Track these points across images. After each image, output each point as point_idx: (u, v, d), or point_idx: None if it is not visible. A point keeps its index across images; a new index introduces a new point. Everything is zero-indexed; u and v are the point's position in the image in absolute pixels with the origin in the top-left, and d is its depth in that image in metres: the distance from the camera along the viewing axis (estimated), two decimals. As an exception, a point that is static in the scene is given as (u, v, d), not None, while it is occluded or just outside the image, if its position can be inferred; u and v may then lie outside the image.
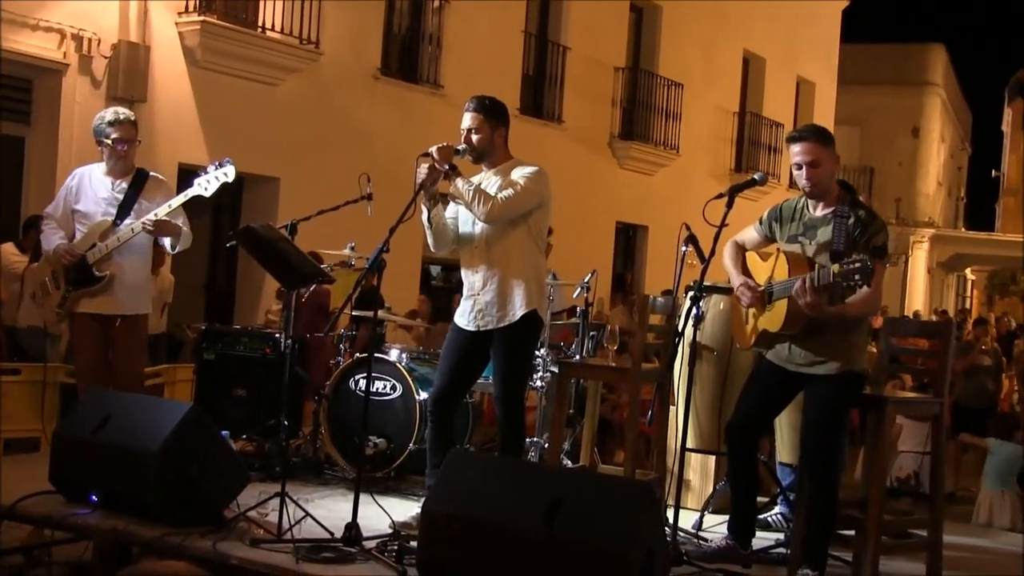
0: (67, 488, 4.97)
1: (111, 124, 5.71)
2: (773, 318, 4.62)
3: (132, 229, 5.63)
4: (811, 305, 4.39)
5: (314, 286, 7.06)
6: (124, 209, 5.71)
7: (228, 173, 5.64)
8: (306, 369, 7.15)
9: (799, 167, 4.61)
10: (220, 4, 10.83)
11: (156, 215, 5.60)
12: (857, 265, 4.23)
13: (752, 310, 4.81)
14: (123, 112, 5.83)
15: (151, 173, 5.90)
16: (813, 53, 21.97)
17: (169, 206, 5.63)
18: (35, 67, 9.54)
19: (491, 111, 5.07)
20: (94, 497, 4.82)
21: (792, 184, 5.04)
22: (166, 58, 10.35)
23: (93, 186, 5.80)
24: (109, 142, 5.72)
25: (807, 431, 4.65)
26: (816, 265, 4.51)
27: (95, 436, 4.84)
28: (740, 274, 4.83)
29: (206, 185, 5.64)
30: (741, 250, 4.91)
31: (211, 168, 5.65)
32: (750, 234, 4.90)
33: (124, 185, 5.77)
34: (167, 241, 5.75)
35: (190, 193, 5.63)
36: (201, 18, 10.40)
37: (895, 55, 29.82)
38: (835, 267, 4.34)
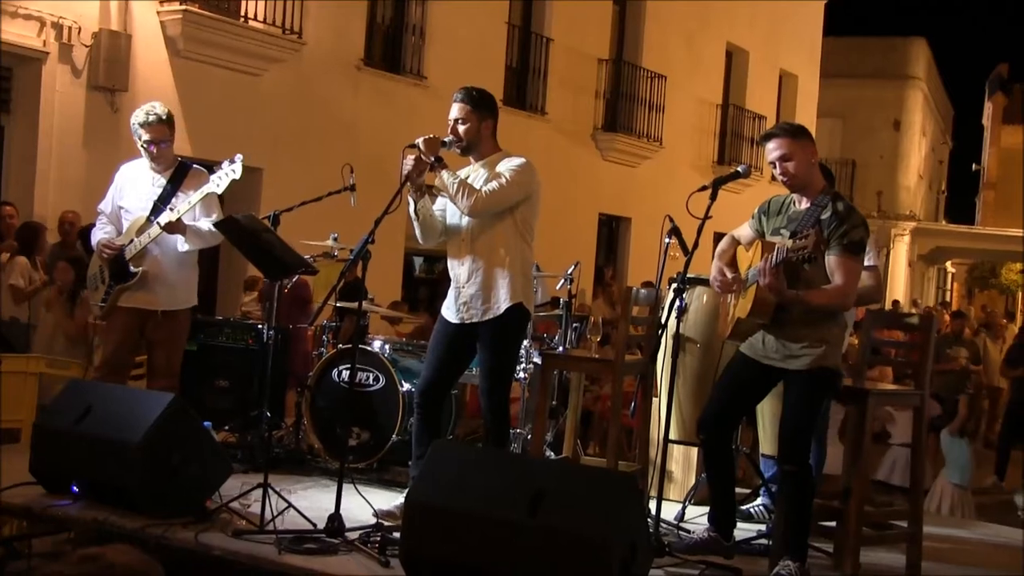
0: (48, 479, 4.95)
1: (142, 126, 5.66)
2: (744, 304, 4.68)
3: (159, 222, 5.60)
4: (770, 286, 4.43)
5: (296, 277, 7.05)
6: (161, 204, 5.68)
7: (236, 170, 5.60)
8: (288, 359, 7.14)
9: (773, 164, 4.68)
10: (202, -7, 10.77)
11: (177, 212, 5.55)
12: (805, 239, 4.27)
13: (732, 301, 4.85)
14: (155, 111, 5.70)
15: (193, 165, 5.85)
16: (796, 46, 22.02)
17: (189, 203, 5.58)
18: (15, 55, 9.47)
19: (479, 102, 5.05)
20: (75, 488, 4.81)
21: (775, 177, 5.07)
22: (148, 47, 10.29)
23: (137, 181, 5.78)
24: (142, 144, 5.68)
25: (782, 426, 4.68)
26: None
27: (77, 427, 4.82)
28: (720, 262, 4.87)
29: (219, 182, 5.59)
30: (734, 244, 4.95)
31: (225, 164, 5.61)
32: (744, 229, 4.93)
33: (163, 179, 5.74)
34: (180, 239, 5.69)
35: (205, 190, 5.59)
36: (183, 7, 10.35)
37: (877, 49, 29.94)
38: (789, 243, 4.39)
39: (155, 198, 5.70)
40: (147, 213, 5.69)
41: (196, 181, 5.72)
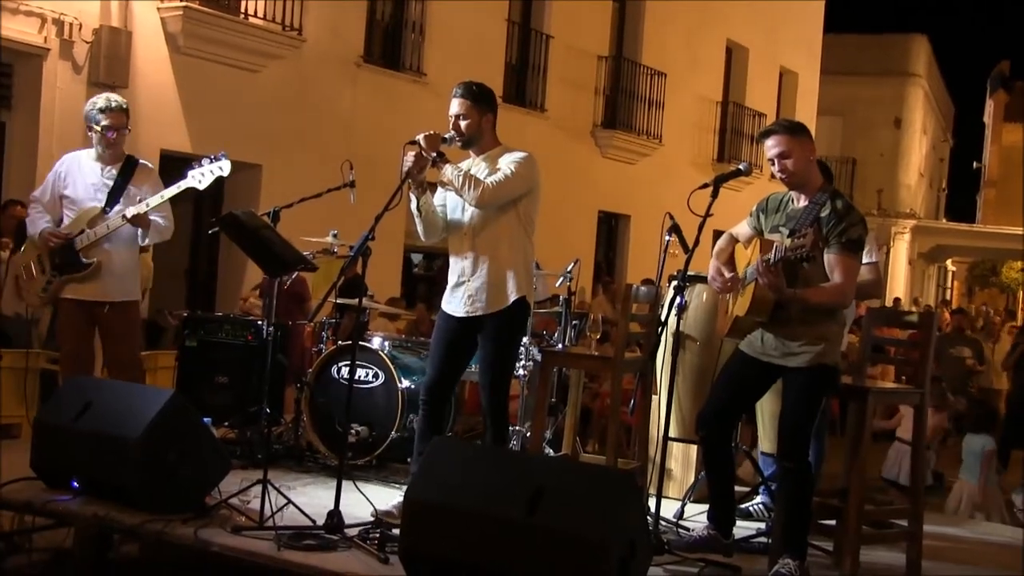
0: (48, 475, 4.95)
1: (102, 111, 5.68)
2: (743, 303, 4.68)
3: (123, 217, 5.61)
4: (768, 284, 4.43)
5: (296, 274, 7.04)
6: (114, 196, 5.69)
7: (224, 167, 5.62)
8: (286, 356, 7.13)
9: (772, 161, 4.68)
10: (202, -11, 10.77)
11: (148, 205, 5.57)
12: (803, 238, 4.27)
13: (731, 298, 4.85)
14: (115, 99, 5.79)
15: (140, 160, 5.88)
16: (796, 43, 22.02)
17: (162, 196, 5.60)
18: (16, 52, 9.47)
19: (479, 97, 5.06)
20: (75, 483, 4.81)
21: (774, 175, 5.10)
22: (148, 44, 10.29)
23: (83, 172, 5.77)
24: (99, 128, 5.69)
25: (781, 423, 4.69)
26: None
27: (76, 423, 4.82)
28: (717, 261, 4.87)
29: (200, 178, 5.61)
30: (733, 242, 4.95)
31: (206, 161, 5.62)
32: (743, 227, 4.93)
33: (114, 172, 5.75)
34: (139, 232, 5.70)
35: (183, 185, 5.60)
36: (183, 4, 10.34)
37: (878, 46, 29.92)
38: (787, 241, 4.39)
39: (105, 189, 5.69)
40: (100, 204, 5.67)
41: (145, 176, 5.79)
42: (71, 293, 5.69)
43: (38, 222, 5.73)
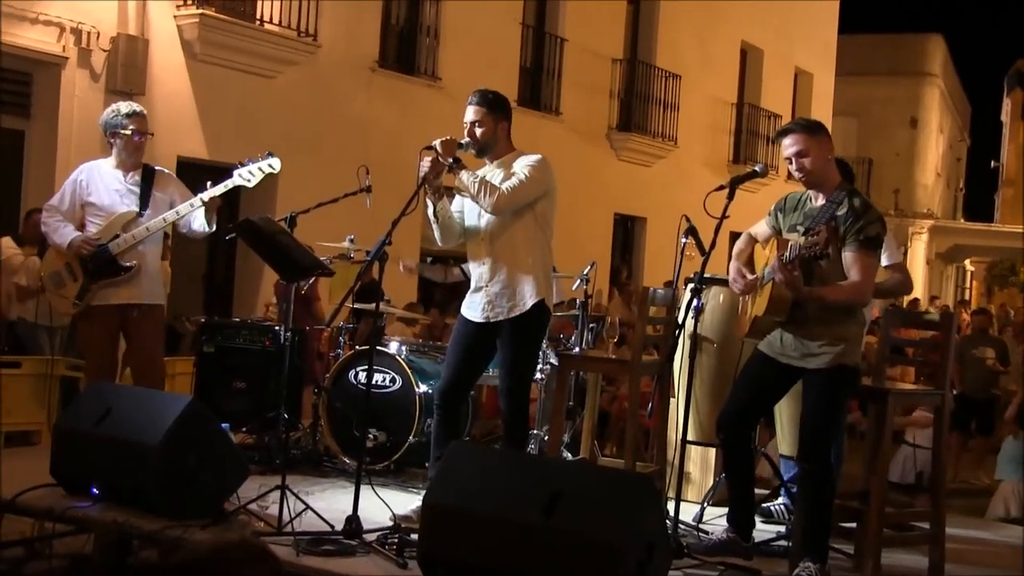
0: (68, 481, 4.96)
1: (128, 116, 5.71)
2: (761, 303, 4.65)
3: (177, 212, 5.63)
4: (785, 281, 4.41)
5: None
6: (144, 201, 5.72)
7: (274, 164, 5.66)
8: (302, 360, 7.14)
9: (789, 160, 4.66)
10: (218, -3, 10.81)
11: (205, 197, 5.58)
12: (818, 235, 4.25)
13: (750, 299, 4.83)
14: (137, 106, 5.85)
15: (156, 167, 5.90)
16: (810, 44, 21.95)
17: (211, 195, 5.58)
18: (34, 60, 9.52)
19: (494, 104, 5.07)
20: (95, 490, 4.81)
21: (791, 176, 5.09)
22: (164, 51, 10.33)
23: (104, 179, 5.77)
24: (127, 133, 5.70)
25: (802, 426, 4.66)
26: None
27: (96, 429, 4.83)
28: (738, 262, 4.85)
29: (248, 176, 5.62)
30: (752, 242, 4.92)
31: (252, 161, 5.62)
32: (761, 227, 4.91)
33: (136, 178, 5.77)
34: (203, 222, 5.70)
35: (230, 183, 5.62)
36: (199, 11, 10.38)
37: (893, 45, 29.81)
38: (801, 239, 4.37)
39: (132, 195, 5.71)
40: (132, 208, 5.69)
41: (167, 181, 5.85)
42: (105, 298, 5.68)
43: (62, 230, 5.71)
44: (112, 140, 5.77)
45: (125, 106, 5.78)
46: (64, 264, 5.73)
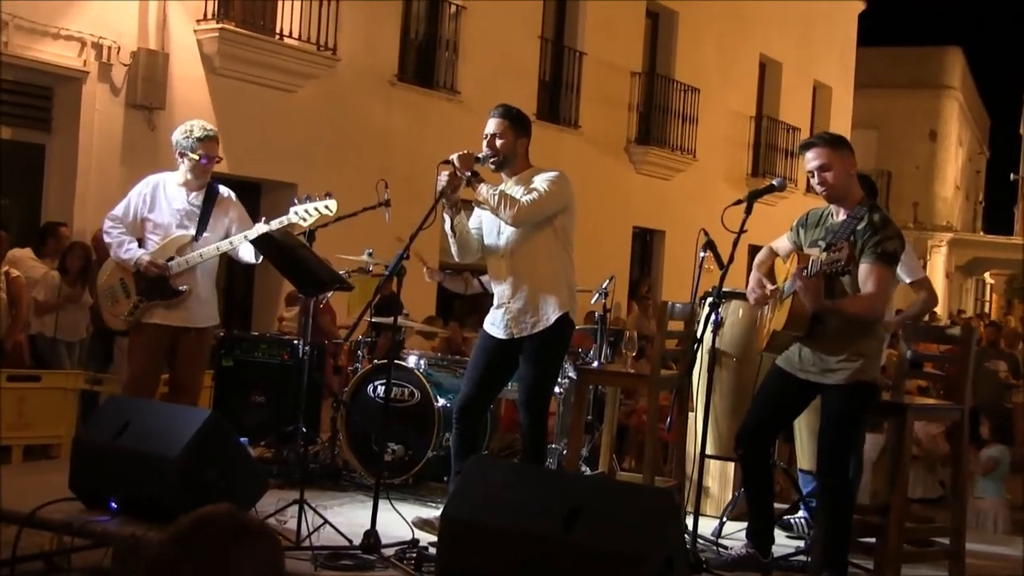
0: (87, 495, 4.97)
1: (200, 140, 5.65)
2: (780, 316, 4.64)
3: (231, 242, 5.61)
4: (806, 290, 4.39)
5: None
6: (201, 223, 5.70)
7: (331, 206, 5.58)
8: (320, 373, 7.15)
9: (811, 173, 4.66)
10: (238, 11, 10.85)
11: (256, 233, 5.51)
12: (839, 251, 4.24)
13: (768, 312, 4.82)
14: (209, 128, 5.75)
15: (220, 188, 5.86)
16: (829, 57, 21.92)
17: (281, 222, 5.50)
18: (55, 75, 9.58)
19: (516, 119, 5.08)
20: (113, 504, 4.82)
21: (809, 189, 5.09)
22: (185, 65, 10.38)
23: (168, 196, 5.75)
24: (196, 156, 5.66)
25: (820, 440, 4.64)
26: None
27: (115, 442, 4.84)
28: (758, 273, 4.83)
29: (304, 216, 5.57)
30: (773, 255, 4.91)
31: (309, 199, 5.58)
32: (782, 241, 4.90)
33: (199, 198, 5.75)
34: (251, 253, 5.68)
35: (285, 220, 5.54)
36: (219, 25, 10.43)
37: (912, 58, 29.73)
38: (823, 255, 4.36)
39: (192, 216, 5.70)
40: (189, 232, 5.68)
41: (228, 204, 5.80)
42: (157, 319, 5.68)
43: (127, 246, 5.68)
44: (181, 159, 5.74)
45: (199, 128, 5.69)
46: (119, 280, 5.74)
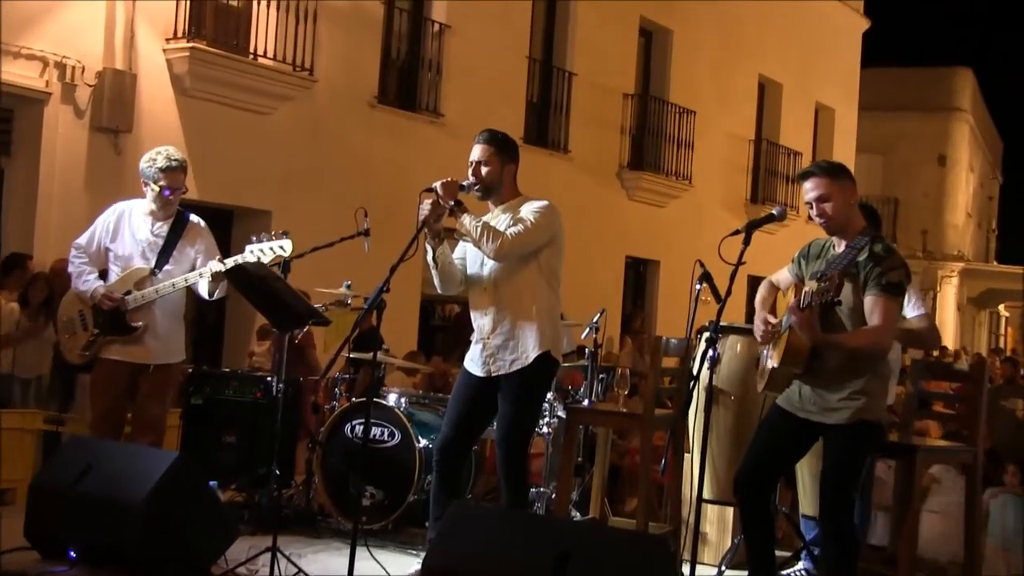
0: (44, 544, 4.94)
1: (162, 170, 5.68)
2: (777, 353, 4.66)
3: (185, 279, 5.63)
4: (801, 324, 4.42)
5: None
6: (164, 255, 5.72)
7: (285, 247, 5.60)
8: (296, 413, 7.14)
9: (810, 204, 4.71)
10: (210, 29, 10.88)
11: (210, 271, 5.56)
12: (829, 281, 4.28)
13: (769, 349, 4.84)
14: (175, 158, 5.75)
15: (191, 217, 5.89)
16: (832, 78, 22.05)
17: (221, 267, 5.55)
18: (15, 96, 9.57)
19: (503, 145, 5.11)
20: (72, 553, 4.79)
21: (811, 217, 5.12)
22: (153, 86, 10.39)
23: (132, 226, 5.78)
24: (156, 188, 5.70)
25: (822, 483, 4.65)
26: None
27: (75, 486, 4.82)
28: (762, 312, 4.85)
29: (259, 255, 5.59)
30: (774, 290, 4.95)
31: (265, 236, 5.60)
32: (783, 274, 4.94)
33: (165, 228, 5.77)
34: (206, 290, 5.70)
35: (239, 259, 5.56)
36: (190, 44, 10.45)
37: (919, 79, 29.90)
38: (814, 285, 4.40)
39: (154, 248, 5.72)
40: (148, 265, 5.70)
41: (196, 234, 5.82)
42: (115, 354, 5.70)
43: (86, 276, 5.73)
44: (146, 188, 5.77)
45: (163, 158, 5.71)
46: (78, 312, 5.77)
